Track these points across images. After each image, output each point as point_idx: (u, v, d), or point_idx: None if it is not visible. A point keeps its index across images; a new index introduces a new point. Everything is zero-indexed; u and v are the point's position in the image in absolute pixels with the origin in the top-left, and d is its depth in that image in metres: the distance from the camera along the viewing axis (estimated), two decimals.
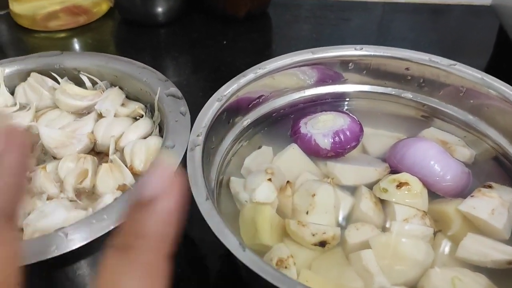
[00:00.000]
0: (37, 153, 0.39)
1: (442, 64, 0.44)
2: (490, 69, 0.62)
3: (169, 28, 0.73)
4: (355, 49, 0.46)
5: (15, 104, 0.42)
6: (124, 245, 0.18)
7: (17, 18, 0.74)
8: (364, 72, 0.47)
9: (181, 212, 0.19)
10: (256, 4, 0.72)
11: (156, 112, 0.41)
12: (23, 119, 0.40)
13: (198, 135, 0.37)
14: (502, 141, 0.43)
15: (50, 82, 0.43)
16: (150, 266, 0.18)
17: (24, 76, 0.44)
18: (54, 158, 0.38)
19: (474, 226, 0.38)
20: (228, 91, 0.41)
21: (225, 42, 0.69)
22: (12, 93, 0.44)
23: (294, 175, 0.42)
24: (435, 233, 0.37)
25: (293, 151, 0.44)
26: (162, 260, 0.19)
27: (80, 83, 0.45)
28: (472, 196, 0.39)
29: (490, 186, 0.40)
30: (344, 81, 0.48)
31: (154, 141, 0.38)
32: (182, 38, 0.71)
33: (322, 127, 0.44)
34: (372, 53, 0.46)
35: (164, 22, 0.72)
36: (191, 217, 0.34)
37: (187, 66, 0.65)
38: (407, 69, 0.46)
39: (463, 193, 0.40)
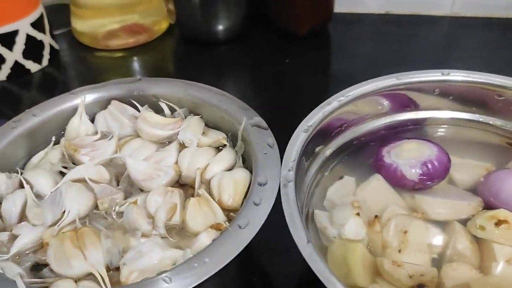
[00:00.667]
0: (124, 185, 0.38)
1: None
2: None
3: (230, 45, 0.72)
4: (442, 74, 0.44)
5: (97, 133, 0.42)
6: None
7: (79, 36, 0.75)
8: (450, 97, 0.45)
9: None
10: (318, 20, 0.70)
11: (240, 142, 0.40)
12: (106, 148, 0.40)
13: (289, 170, 0.35)
14: None
15: (130, 110, 0.43)
16: None
17: (103, 103, 0.44)
18: (141, 190, 0.38)
19: None
20: (313, 121, 0.40)
21: (287, 60, 0.68)
22: (92, 120, 0.44)
23: (379, 207, 0.41)
24: None
25: (378, 182, 0.42)
26: None
27: (158, 110, 0.44)
28: None
29: None
30: (427, 107, 0.46)
31: (241, 174, 0.37)
32: (244, 56, 0.70)
33: (407, 157, 0.42)
34: (461, 79, 0.44)
35: (225, 40, 0.72)
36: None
37: (251, 85, 0.65)
38: (499, 95, 0.43)
39: None
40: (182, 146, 0.41)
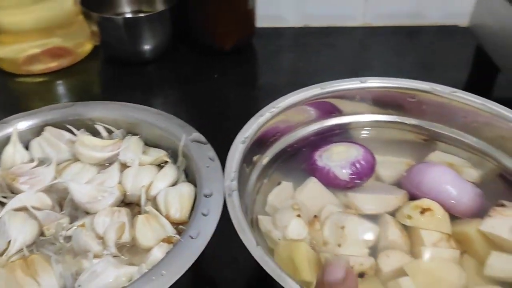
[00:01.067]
0: (69, 209, 0.38)
1: (443, 92, 0.47)
2: (470, 86, 0.67)
3: (157, 64, 0.73)
4: (361, 81, 0.48)
5: (33, 160, 0.42)
6: None
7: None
8: (370, 102, 0.49)
9: None
10: (242, 36, 0.73)
11: (181, 158, 0.41)
12: (45, 175, 0.40)
13: (232, 180, 0.37)
14: (506, 160, 0.46)
15: (67, 134, 0.43)
16: None
17: (37, 130, 0.44)
18: (87, 213, 0.38)
19: (495, 244, 0.40)
20: (249, 132, 0.42)
21: (216, 76, 0.70)
22: (27, 147, 0.43)
23: (317, 207, 0.44)
24: (461, 254, 0.39)
25: (314, 185, 0.45)
26: None
27: (95, 133, 0.44)
28: (489, 216, 0.41)
29: (503, 205, 0.42)
30: (350, 112, 0.50)
31: (186, 188, 0.38)
32: (172, 74, 0.71)
33: (337, 159, 0.46)
34: (377, 85, 0.48)
35: (152, 59, 0.73)
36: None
37: (182, 102, 0.66)
38: (411, 97, 0.48)
39: (478, 213, 0.42)
40: (124, 166, 0.42)
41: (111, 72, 0.73)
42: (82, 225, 0.34)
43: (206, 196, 0.35)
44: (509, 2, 0.56)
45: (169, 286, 0.29)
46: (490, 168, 0.47)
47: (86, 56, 0.75)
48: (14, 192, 0.39)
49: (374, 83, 0.48)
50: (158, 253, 0.33)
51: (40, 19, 0.70)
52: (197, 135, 0.41)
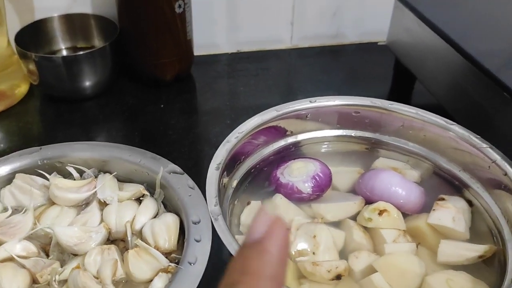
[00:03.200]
0: (55, 253, 0.39)
1: (382, 105, 0.53)
2: (392, 95, 0.75)
3: (100, 99, 0.73)
4: (310, 101, 0.53)
5: (6, 209, 0.41)
6: (234, 282, 0.18)
7: None
8: (319, 120, 0.55)
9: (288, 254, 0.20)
10: (183, 65, 0.76)
11: (158, 190, 0.43)
12: (24, 223, 0.40)
13: (215, 205, 0.40)
14: (438, 159, 0.53)
15: (39, 180, 0.43)
16: None
17: (6, 178, 0.43)
18: (74, 255, 0.39)
19: (442, 233, 0.46)
20: (221, 158, 0.45)
21: (162, 106, 0.72)
22: None
23: (286, 221, 0.47)
24: (417, 247, 0.45)
25: (280, 201, 0.49)
26: None
27: (65, 175, 0.45)
28: (433, 210, 0.47)
29: (443, 199, 0.49)
30: (303, 130, 0.55)
31: (171, 218, 0.40)
32: (117, 107, 0.72)
33: (298, 175, 0.50)
34: (325, 104, 0.53)
35: (94, 95, 0.73)
36: None
37: (134, 134, 0.67)
38: (355, 112, 0.54)
39: (424, 208, 0.49)
40: (102, 204, 0.43)
41: (52, 112, 0.72)
42: (78, 267, 0.35)
43: (194, 223, 0.38)
44: (420, 20, 0.65)
45: None
46: (426, 167, 0.54)
47: (23, 97, 0.73)
48: None
49: (322, 102, 0.53)
50: (158, 283, 0.35)
51: None
52: (173, 166, 0.43)
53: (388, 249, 0.44)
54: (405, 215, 0.48)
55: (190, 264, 0.34)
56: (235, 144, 0.48)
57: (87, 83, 0.71)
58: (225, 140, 0.47)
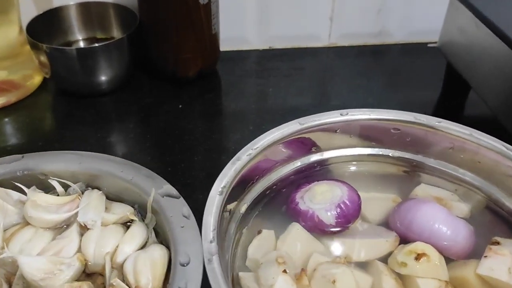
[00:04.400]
0: (19, 287, 0.33)
1: (428, 122, 0.44)
2: (442, 104, 0.66)
3: (115, 96, 0.68)
4: (341, 114, 0.45)
5: None
6: None
7: None
8: (351, 135, 0.46)
9: None
10: (207, 61, 0.69)
11: (149, 215, 0.37)
12: None
13: (211, 242, 0.33)
14: (493, 191, 0.44)
15: (15, 194, 0.37)
16: None
17: None
18: None
19: (494, 287, 0.37)
20: (226, 180, 0.38)
21: (180, 106, 0.65)
22: None
23: (303, 257, 0.40)
24: None
25: (297, 232, 0.41)
26: None
27: (49, 189, 0.39)
28: (485, 256, 0.38)
29: (498, 243, 0.40)
30: (330, 147, 0.47)
31: (158, 253, 0.34)
32: (132, 106, 0.66)
33: (321, 201, 0.42)
34: (358, 117, 0.45)
35: (109, 90, 0.67)
36: None
37: (145, 137, 0.61)
38: (395, 129, 0.45)
39: (472, 254, 0.40)
40: (84, 228, 0.36)
41: (65, 107, 0.67)
42: None
43: (182, 265, 0.31)
44: (479, 19, 0.55)
45: None
46: (478, 200, 0.45)
47: (35, 89, 0.68)
48: None
49: (355, 115, 0.45)
50: None
51: None
52: (168, 187, 0.36)
53: None
54: (448, 260, 0.39)
55: None
56: (247, 163, 0.40)
57: (102, 78, 0.65)
58: (234, 158, 0.40)
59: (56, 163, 0.39)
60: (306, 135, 0.45)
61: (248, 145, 0.41)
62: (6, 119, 0.64)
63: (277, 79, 0.72)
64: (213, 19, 0.65)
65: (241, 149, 0.54)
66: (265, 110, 0.66)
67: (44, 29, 0.66)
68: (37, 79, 0.69)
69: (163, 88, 0.69)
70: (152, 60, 0.69)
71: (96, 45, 0.65)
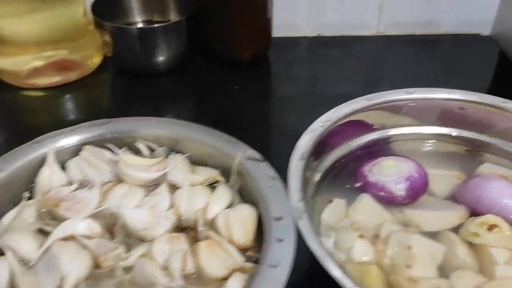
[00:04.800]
0: (121, 236, 0.35)
1: (493, 102, 0.45)
2: (494, 94, 0.66)
3: (172, 76, 0.70)
4: (407, 92, 0.46)
5: (71, 183, 0.38)
6: None
7: (1, 75, 0.68)
8: (416, 114, 0.48)
9: None
10: (261, 45, 0.71)
11: (234, 177, 0.38)
12: (90, 199, 0.36)
13: (298, 201, 0.35)
14: None
15: (107, 154, 0.39)
16: None
17: (73, 150, 0.40)
18: (141, 240, 0.35)
19: None
20: (305, 148, 0.40)
21: (236, 88, 0.67)
22: (63, 169, 0.40)
23: (374, 226, 0.41)
24: None
25: (367, 202, 0.43)
26: None
27: (135, 152, 0.41)
28: None
29: None
30: (394, 125, 0.48)
31: (248, 211, 0.35)
32: (189, 87, 0.68)
33: (390, 174, 0.44)
34: (424, 96, 0.46)
35: (166, 71, 0.69)
36: None
37: (206, 115, 0.63)
38: (460, 108, 0.47)
39: None
40: (172, 187, 0.38)
41: (123, 86, 0.69)
42: (144, 255, 0.31)
43: (277, 219, 0.33)
44: None
45: None
46: None
47: (95, 69, 0.71)
48: (55, 219, 0.36)
49: (421, 93, 0.46)
50: (234, 285, 0.30)
51: (46, 29, 0.65)
52: (252, 152, 0.38)
53: (499, 272, 0.37)
54: None
55: (272, 267, 0.29)
56: (321, 133, 0.42)
57: (160, 58, 0.68)
58: (309, 128, 0.42)
59: (141, 127, 0.41)
60: (371, 113, 0.46)
61: (322, 116, 0.43)
62: (67, 96, 0.67)
63: (327, 65, 0.73)
64: (268, 3, 0.67)
65: (297, 128, 0.56)
66: (316, 94, 0.68)
67: (107, 9, 0.68)
68: (96, 59, 0.71)
69: (217, 70, 0.71)
70: (208, 43, 0.71)
71: (156, 25, 0.67)
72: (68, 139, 0.40)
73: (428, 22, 0.79)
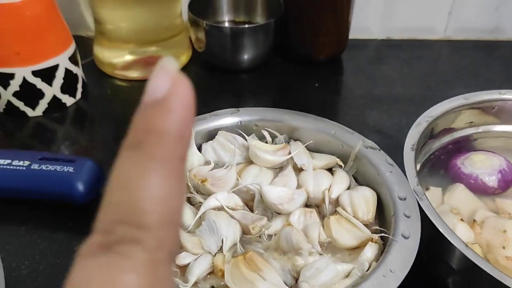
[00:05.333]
0: (260, 209, 0.40)
1: None
2: None
3: (254, 73, 0.75)
4: (500, 93, 0.51)
5: (208, 163, 0.44)
6: (138, 142, 0.16)
7: (100, 65, 0.75)
8: (506, 113, 0.52)
9: (193, 113, 0.18)
10: (338, 48, 0.76)
11: (351, 163, 0.44)
12: (228, 177, 0.42)
13: (417, 185, 0.40)
14: None
15: (239, 139, 0.45)
16: (170, 164, 0.16)
17: (208, 134, 0.46)
18: (278, 213, 0.40)
19: None
20: (414, 140, 0.45)
21: (316, 85, 0.73)
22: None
23: (468, 212, 0.46)
24: None
25: (462, 191, 0.48)
26: (181, 163, 0.17)
27: (258, 138, 0.47)
28: None
29: None
30: (484, 122, 0.53)
31: (369, 192, 0.41)
32: (272, 82, 0.74)
33: (482, 167, 0.48)
34: None
35: (249, 68, 0.75)
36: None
37: (293, 109, 0.68)
38: None
39: None
40: (296, 170, 0.44)
41: (208, 80, 0.75)
42: (289, 224, 0.37)
43: (401, 199, 0.38)
44: None
45: (400, 281, 0.32)
46: None
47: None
48: (200, 192, 0.42)
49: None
50: (369, 253, 0.35)
51: (145, 27, 0.71)
52: (369, 141, 0.43)
53: None
54: None
55: (405, 237, 0.34)
56: (425, 128, 0.47)
57: (246, 56, 0.73)
58: (416, 122, 0.47)
59: (265, 116, 0.47)
60: (467, 112, 0.51)
61: (425, 113, 0.48)
62: None
63: (399, 67, 0.78)
64: (351, 7, 0.72)
65: (381, 124, 0.61)
66: (394, 93, 0.72)
67: (200, 8, 0.74)
68: (185, 57, 0.77)
69: (296, 68, 0.76)
70: (290, 43, 0.76)
71: (247, 26, 0.72)
72: (203, 125, 0.46)
73: (494, 28, 0.83)
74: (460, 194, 0.47)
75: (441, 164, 0.51)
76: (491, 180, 0.47)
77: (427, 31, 0.84)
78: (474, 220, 0.44)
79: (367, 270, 0.34)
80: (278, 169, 0.44)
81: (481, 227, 0.44)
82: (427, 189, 0.48)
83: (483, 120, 0.53)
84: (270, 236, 0.38)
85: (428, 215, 0.37)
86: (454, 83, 0.75)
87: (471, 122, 0.53)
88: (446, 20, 0.83)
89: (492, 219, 0.45)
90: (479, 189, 0.48)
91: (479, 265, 0.33)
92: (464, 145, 0.53)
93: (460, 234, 0.42)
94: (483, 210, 0.46)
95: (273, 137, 0.47)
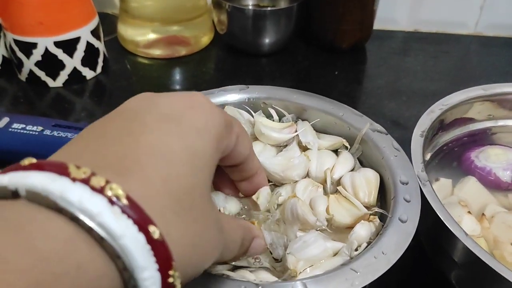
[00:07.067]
0: None
1: None
2: None
3: (275, 57, 0.75)
4: None
5: None
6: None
7: (123, 42, 0.76)
8: None
9: None
10: (362, 36, 0.74)
11: (357, 145, 0.43)
12: None
13: (422, 171, 0.38)
14: None
15: (245, 115, 0.45)
16: None
17: None
18: (276, 186, 0.40)
19: None
20: (425, 127, 0.43)
21: (336, 73, 0.71)
22: None
23: (477, 206, 0.45)
24: None
25: (474, 184, 0.46)
26: None
27: (266, 115, 0.46)
28: None
29: None
30: (504, 117, 0.51)
31: (372, 174, 0.40)
32: (293, 68, 0.73)
33: (497, 161, 0.47)
34: None
35: (270, 52, 0.74)
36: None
37: None
38: None
39: None
40: (301, 148, 0.43)
41: (231, 62, 0.75)
42: (294, 196, 0.36)
43: (402, 183, 0.37)
44: None
45: (391, 265, 0.31)
46: None
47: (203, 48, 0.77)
48: None
49: None
50: (361, 231, 0.35)
51: (169, 7, 0.72)
52: (377, 125, 0.42)
53: None
54: None
55: (402, 221, 0.33)
56: (439, 116, 0.45)
57: (267, 40, 0.73)
58: (429, 110, 0.45)
59: (274, 95, 0.46)
60: (485, 103, 0.49)
61: (440, 100, 0.46)
62: (177, 68, 0.73)
63: (423, 60, 0.76)
64: None
65: (398, 115, 0.59)
66: (415, 85, 0.71)
67: None
68: (206, 38, 0.77)
69: (318, 55, 0.76)
70: (312, 29, 0.75)
71: (269, 9, 0.72)
72: (212, 99, 0.45)
73: None
74: (471, 187, 0.46)
75: (454, 156, 0.49)
76: (505, 175, 0.46)
77: (457, 26, 0.82)
78: (483, 214, 0.43)
79: (355, 249, 0.33)
80: (283, 147, 0.44)
81: (490, 222, 0.43)
82: (436, 179, 0.47)
83: (503, 114, 0.51)
84: (279, 205, 0.38)
85: (430, 201, 0.36)
86: (480, 80, 0.73)
87: (490, 115, 0.51)
88: (477, 15, 0.80)
89: (502, 214, 0.43)
90: (492, 183, 0.46)
91: (480, 257, 0.32)
92: (480, 138, 0.51)
93: (465, 227, 0.41)
94: (494, 205, 0.44)
95: (281, 116, 0.46)
